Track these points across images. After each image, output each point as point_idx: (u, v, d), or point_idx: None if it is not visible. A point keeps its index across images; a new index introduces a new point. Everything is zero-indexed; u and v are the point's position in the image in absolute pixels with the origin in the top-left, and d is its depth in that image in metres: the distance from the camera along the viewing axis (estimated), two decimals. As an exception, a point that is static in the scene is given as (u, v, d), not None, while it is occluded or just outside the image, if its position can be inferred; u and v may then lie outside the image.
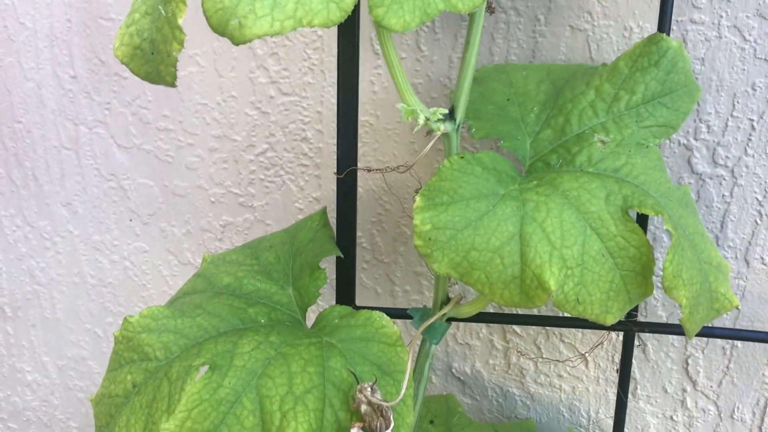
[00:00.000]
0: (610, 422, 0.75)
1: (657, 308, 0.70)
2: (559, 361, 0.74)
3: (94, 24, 0.74)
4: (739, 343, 0.70)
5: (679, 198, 0.54)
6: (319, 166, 0.74)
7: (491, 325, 0.75)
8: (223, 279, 0.57)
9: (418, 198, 0.51)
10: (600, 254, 0.50)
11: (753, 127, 0.64)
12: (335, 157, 0.73)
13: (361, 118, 0.70)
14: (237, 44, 0.41)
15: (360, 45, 0.58)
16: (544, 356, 0.74)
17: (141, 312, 0.52)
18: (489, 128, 0.58)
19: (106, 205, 0.81)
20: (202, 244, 0.80)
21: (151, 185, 0.79)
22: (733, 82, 0.63)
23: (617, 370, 0.71)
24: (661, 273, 0.49)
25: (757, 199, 0.65)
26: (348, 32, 0.56)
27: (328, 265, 0.60)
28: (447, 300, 0.59)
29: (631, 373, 0.71)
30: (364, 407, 0.48)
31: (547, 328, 0.73)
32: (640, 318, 0.70)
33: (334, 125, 0.72)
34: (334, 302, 0.63)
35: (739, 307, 0.69)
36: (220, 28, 0.40)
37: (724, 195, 0.66)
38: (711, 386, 0.72)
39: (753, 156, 0.64)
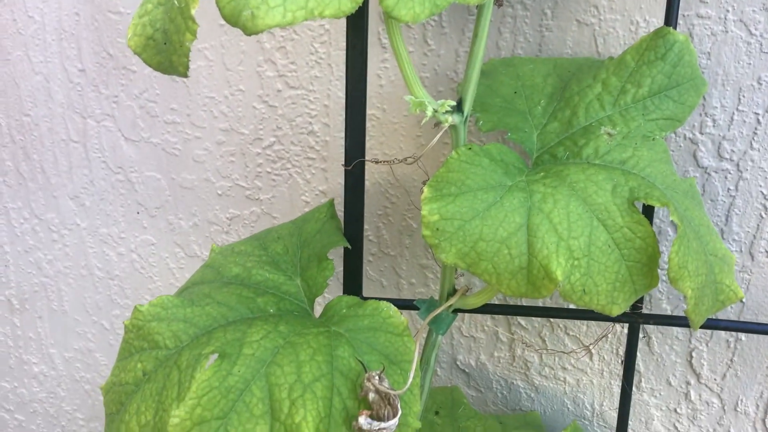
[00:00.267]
0: (614, 414, 0.75)
1: (662, 301, 0.71)
2: (564, 352, 0.74)
3: (102, 17, 0.75)
4: (743, 336, 0.70)
5: (684, 190, 0.55)
6: (326, 159, 0.75)
7: (496, 317, 0.75)
8: (231, 269, 0.58)
9: (426, 189, 0.51)
10: (606, 245, 0.50)
11: (758, 121, 0.64)
12: (342, 150, 0.73)
13: (367, 111, 0.70)
14: (249, 34, 0.41)
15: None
16: (549, 349, 0.74)
17: (151, 301, 0.53)
18: (496, 120, 0.58)
19: (113, 197, 0.81)
20: (209, 236, 0.80)
21: (159, 178, 0.79)
22: (739, 76, 0.63)
23: (622, 362, 0.72)
24: (667, 265, 0.50)
25: (762, 192, 0.66)
26: (357, 24, 0.56)
27: (334, 259, 0.61)
28: (453, 291, 0.60)
29: (636, 366, 0.71)
30: (371, 395, 0.48)
31: (552, 321, 0.74)
32: (645, 311, 0.70)
33: (341, 119, 0.73)
34: (341, 294, 0.63)
35: (744, 300, 0.69)
36: (232, 18, 0.41)
37: (729, 189, 0.66)
38: (715, 379, 0.73)
39: (758, 150, 0.65)
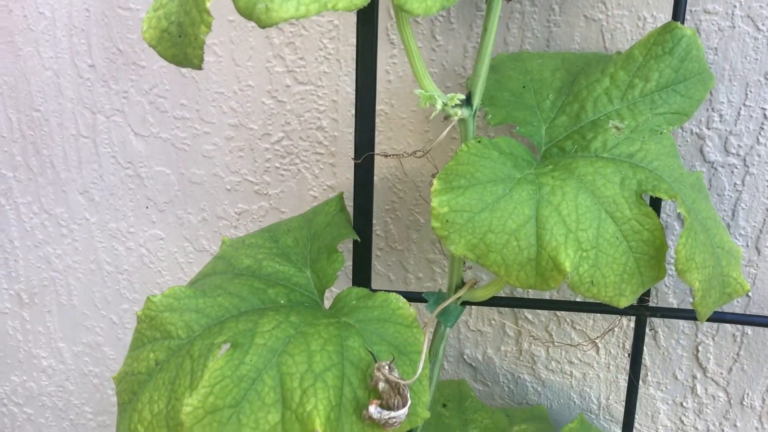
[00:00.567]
0: (621, 408, 0.76)
1: (668, 296, 0.71)
2: (570, 345, 0.74)
3: (112, 13, 0.75)
4: (749, 330, 0.71)
5: (692, 183, 0.55)
6: (334, 155, 0.75)
7: (503, 312, 0.76)
8: (242, 261, 0.58)
9: (435, 181, 0.52)
10: (614, 237, 0.51)
11: (765, 116, 0.64)
12: (350, 145, 0.74)
13: (376, 107, 0.71)
14: (263, 27, 0.41)
15: (376, 34, 0.59)
16: (555, 342, 0.75)
17: (163, 292, 0.53)
18: (504, 114, 0.58)
19: (122, 192, 0.82)
20: (218, 231, 0.81)
21: (168, 173, 0.80)
22: (746, 71, 0.63)
23: (629, 355, 0.72)
24: (674, 258, 0.50)
25: (768, 187, 0.66)
26: (367, 19, 0.57)
27: (343, 253, 0.61)
28: (461, 284, 0.60)
29: (642, 360, 0.72)
30: (381, 385, 0.49)
31: (559, 315, 0.74)
32: (652, 305, 0.70)
33: (349, 114, 0.73)
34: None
35: (750, 294, 0.70)
36: (246, 11, 0.41)
37: (735, 183, 0.67)
38: (721, 373, 0.73)
39: (765, 145, 0.65)
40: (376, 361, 0.50)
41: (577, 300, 0.70)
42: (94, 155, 0.81)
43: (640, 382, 0.74)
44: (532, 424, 0.70)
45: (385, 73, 0.71)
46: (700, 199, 0.55)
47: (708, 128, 0.66)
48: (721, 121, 0.65)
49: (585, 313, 0.73)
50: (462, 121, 0.55)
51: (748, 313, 0.70)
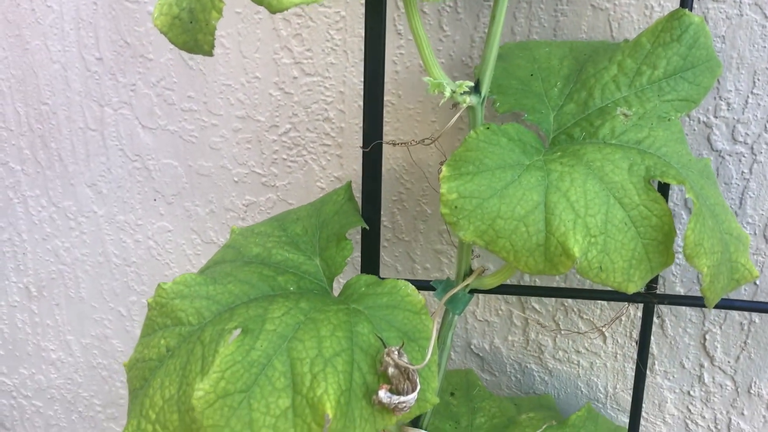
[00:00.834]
0: (628, 397, 0.76)
1: (675, 284, 0.71)
2: (578, 332, 0.75)
3: (119, 6, 0.76)
4: (756, 319, 0.71)
5: (700, 169, 0.55)
6: (341, 146, 0.75)
7: (510, 301, 0.76)
8: (252, 249, 0.58)
9: (444, 168, 0.52)
10: (623, 223, 0.51)
11: (772, 104, 0.64)
12: (357, 137, 0.74)
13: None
14: (274, 12, 0.42)
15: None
16: (562, 331, 0.75)
17: (174, 279, 0.53)
18: (513, 102, 0.59)
19: (130, 185, 0.82)
20: (226, 223, 0.81)
21: (176, 165, 0.80)
22: (754, 59, 0.63)
23: (636, 343, 0.72)
24: (682, 244, 0.50)
25: (776, 175, 0.66)
26: (375, 7, 0.57)
27: (351, 241, 0.61)
28: (470, 272, 0.60)
29: (649, 349, 0.72)
30: (391, 370, 0.49)
31: (566, 305, 0.74)
32: (659, 293, 0.71)
33: (357, 105, 0.73)
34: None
35: (758, 283, 0.70)
36: (257, -4, 0.41)
37: (743, 172, 0.67)
38: (728, 361, 0.73)
39: (772, 133, 0.65)
40: (385, 347, 0.50)
41: (585, 287, 0.70)
42: (102, 148, 0.81)
43: (648, 371, 0.74)
44: (540, 413, 0.70)
45: (392, 63, 0.71)
46: (708, 185, 0.55)
47: (715, 117, 0.66)
48: (728, 109, 0.65)
49: (592, 302, 0.73)
50: (470, 108, 0.55)
51: (756, 300, 0.70)
